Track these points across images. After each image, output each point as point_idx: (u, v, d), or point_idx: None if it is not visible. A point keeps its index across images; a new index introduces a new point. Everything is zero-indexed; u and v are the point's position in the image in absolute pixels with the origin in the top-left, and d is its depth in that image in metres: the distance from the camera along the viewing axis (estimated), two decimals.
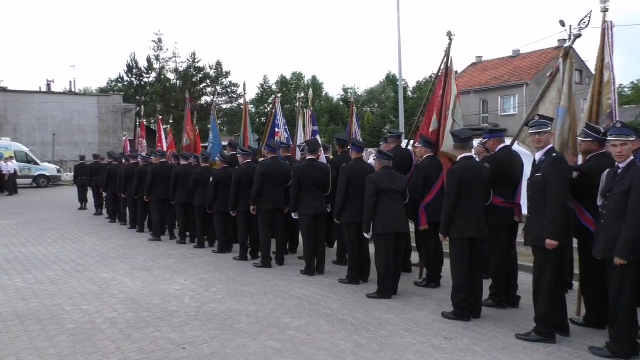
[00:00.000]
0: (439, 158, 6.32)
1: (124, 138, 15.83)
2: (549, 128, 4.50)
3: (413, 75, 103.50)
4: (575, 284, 5.50)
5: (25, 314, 5.36)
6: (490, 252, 5.38)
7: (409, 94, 58.15)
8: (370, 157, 11.00)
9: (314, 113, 9.05)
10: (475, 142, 5.84)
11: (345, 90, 66.81)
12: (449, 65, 6.35)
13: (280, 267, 7.56)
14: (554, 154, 4.44)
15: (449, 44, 6.34)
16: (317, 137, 8.69)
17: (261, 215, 7.60)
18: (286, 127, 9.63)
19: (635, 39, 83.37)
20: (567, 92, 4.85)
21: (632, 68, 79.53)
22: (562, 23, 31.80)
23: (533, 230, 4.50)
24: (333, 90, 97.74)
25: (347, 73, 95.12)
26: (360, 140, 8.27)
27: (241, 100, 55.10)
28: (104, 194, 13.42)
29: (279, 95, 9.96)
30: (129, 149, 14.77)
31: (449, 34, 6.30)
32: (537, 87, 36.72)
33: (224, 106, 52.11)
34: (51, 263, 7.95)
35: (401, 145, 7.14)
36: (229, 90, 52.74)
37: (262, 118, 50.55)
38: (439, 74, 6.59)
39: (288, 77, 60.65)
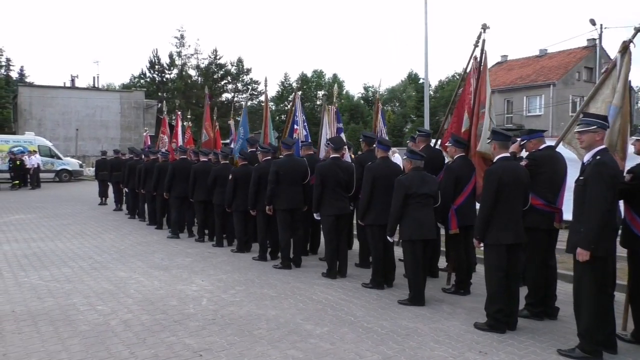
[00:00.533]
0: (471, 158, 5.99)
1: (144, 134, 15.73)
2: (594, 127, 4.12)
3: (435, 74, 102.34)
4: (620, 295, 5.09)
5: (39, 314, 5.19)
6: (527, 259, 5.00)
7: (431, 93, 57.48)
8: (392, 156, 10.66)
9: (338, 110, 8.75)
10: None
11: (366, 88, 66.39)
12: (483, 60, 5.96)
13: (301, 269, 7.30)
14: (598, 157, 4.07)
15: (479, 37, 5.94)
16: (342, 135, 8.38)
17: (279, 215, 7.34)
18: (305, 124, 9.33)
19: None
20: (622, 90, 4.45)
21: None
22: (592, 22, 30.86)
23: (573, 237, 4.16)
24: (354, 88, 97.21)
25: (368, 72, 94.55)
26: (386, 138, 7.95)
27: (262, 98, 55.21)
28: (125, 190, 13.33)
29: (299, 93, 9.63)
30: (149, 144, 14.67)
31: (484, 27, 5.93)
32: (565, 88, 35.95)
33: (244, 104, 52.17)
34: (69, 260, 7.82)
35: (430, 144, 6.79)
36: (249, 87, 52.77)
37: (282, 116, 50.46)
38: (468, 70, 6.23)
39: (309, 75, 60.42)
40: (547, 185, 4.85)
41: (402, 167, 6.60)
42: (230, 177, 8.34)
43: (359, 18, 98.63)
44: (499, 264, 4.60)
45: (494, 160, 4.74)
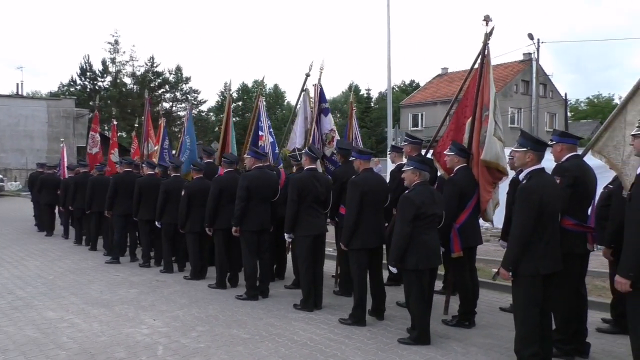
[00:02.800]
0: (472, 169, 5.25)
1: (61, 145, 13.98)
2: None
3: (376, 86, 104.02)
4: None
5: None
6: (554, 288, 4.23)
7: (372, 104, 57.88)
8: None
9: (322, 88, 7.60)
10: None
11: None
12: (486, 58, 5.24)
13: (270, 300, 6.27)
14: None
15: (491, 32, 5.22)
16: (329, 115, 7.47)
17: (245, 237, 6.28)
18: (271, 130, 8.37)
19: (581, 58, 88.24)
20: None
21: (580, 86, 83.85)
22: (530, 36, 31.93)
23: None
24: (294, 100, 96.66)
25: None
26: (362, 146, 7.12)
27: (202, 107, 53.23)
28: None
29: (262, 97, 8.62)
30: (65, 157, 13.17)
31: (487, 19, 5.21)
32: (504, 100, 36.92)
33: (181, 113, 49.93)
34: None
35: (422, 153, 5.99)
36: (189, 97, 50.69)
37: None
38: (474, 68, 5.51)
39: (249, 85, 58.99)
40: (579, 202, 4.12)
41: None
42: (183, 192, 7.20)
43: (297, 27, 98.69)
44: (535, 298, 3.79)
45: (527, 173, 3.88)
